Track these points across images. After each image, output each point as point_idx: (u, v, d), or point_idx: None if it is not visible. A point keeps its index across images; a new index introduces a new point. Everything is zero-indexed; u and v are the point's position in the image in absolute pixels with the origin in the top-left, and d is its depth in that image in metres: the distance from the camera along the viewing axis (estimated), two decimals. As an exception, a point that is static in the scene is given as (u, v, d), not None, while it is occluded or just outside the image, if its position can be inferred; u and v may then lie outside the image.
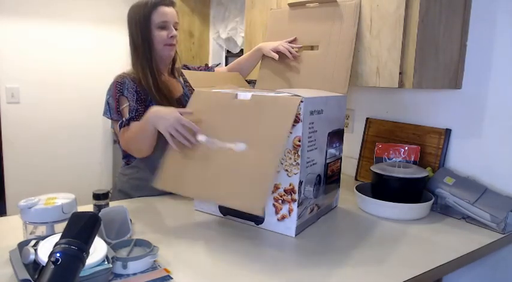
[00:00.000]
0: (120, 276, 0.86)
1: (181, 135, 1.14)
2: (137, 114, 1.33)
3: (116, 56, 1.44)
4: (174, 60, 1.49)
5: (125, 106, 1.34)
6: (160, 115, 1.18)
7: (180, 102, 1.43)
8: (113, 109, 1.35)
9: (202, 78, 1.37)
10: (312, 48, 1.43)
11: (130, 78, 1.37)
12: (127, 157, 1.46)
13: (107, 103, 1.37)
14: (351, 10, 1.31)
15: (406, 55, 1.21)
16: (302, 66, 1.42)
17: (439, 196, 1.33)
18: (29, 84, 2.92)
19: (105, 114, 1.38)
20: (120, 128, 1.32)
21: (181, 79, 1.52)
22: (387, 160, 1.53)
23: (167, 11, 1.39)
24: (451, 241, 1.12)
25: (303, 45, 1.44)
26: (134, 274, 0.87)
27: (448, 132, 1.45)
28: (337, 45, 1.32)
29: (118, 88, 1.35)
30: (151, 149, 1.29)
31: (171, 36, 1.39)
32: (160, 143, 1.39)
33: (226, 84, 1.43)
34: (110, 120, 1.45)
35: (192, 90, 1.54)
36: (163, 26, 1.38)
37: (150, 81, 1.37)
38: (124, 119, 1.32)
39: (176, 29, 1.42)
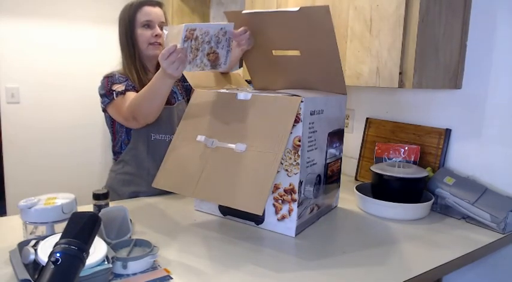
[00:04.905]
0: (120, 276, 0.86)
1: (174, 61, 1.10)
2: (132, 89, 1.36)
3: (116, 57, 1.45)
4: None
5: (118, 86, 1.36)
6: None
7: (168, 101, 1.44)
8: (106, 93, 1.37)
9: (202, 79, 1.37)
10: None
11: (120, 74, 1.41)
12: (116, 154, 1.48)
13: (101, 96, 1.40)
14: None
15: (406, 55, 1.21)
16: (294, 66, 1.38)
17: (439, 196, 1.33)
18: (29, 84, 2.91)
19: (102, 103, 1.40)
20: (116, 96, 1.34)
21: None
22: (387, 160, 1.53)
23: (152, 11, 1.42)
24: (451, 241, 1.12)
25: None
26: (134, 274, 0.87)
27: (448, 132, 1.45)
28: (317, 48, 1.18)
29: (109, 80, 1.39)
30: (160, 110, 1.28)
31: (155, 35, 1.41)
32: (143, 138, 1.41)
33: (226, 84, 1.43)
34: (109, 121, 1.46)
35: (181, 87, 1.56)
36: (148, 25, 1.41)
37: (136, 79, 1.40)
38: (117, 90, 1.35)
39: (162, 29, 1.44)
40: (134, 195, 1.42)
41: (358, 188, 1.39)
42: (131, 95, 1.33)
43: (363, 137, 1.73)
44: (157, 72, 1.18)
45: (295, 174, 1.08)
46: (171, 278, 0.86)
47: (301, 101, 1.05)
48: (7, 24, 2.79)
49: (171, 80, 1.17)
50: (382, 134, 1.66)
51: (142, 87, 1.31)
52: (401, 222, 1.25)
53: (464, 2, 1.33)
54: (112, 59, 1.48)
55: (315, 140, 1.13)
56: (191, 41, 1.10)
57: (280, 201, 1.11)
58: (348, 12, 1.35)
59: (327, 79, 1.23)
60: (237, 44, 1.24)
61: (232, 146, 1.08)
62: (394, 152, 1.53)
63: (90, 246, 0.72)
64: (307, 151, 1.10)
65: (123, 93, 1.34)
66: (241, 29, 1.21)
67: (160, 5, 1.45)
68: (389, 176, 1.31)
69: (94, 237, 0.74)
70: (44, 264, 0.68)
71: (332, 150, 1.25)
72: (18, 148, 2.93)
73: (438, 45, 1.26)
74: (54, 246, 0.69)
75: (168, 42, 1.12)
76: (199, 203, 1.29)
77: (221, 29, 1.15)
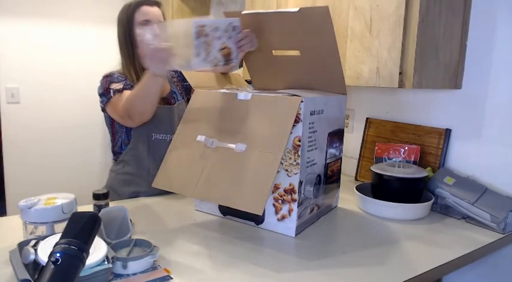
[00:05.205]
0: (120, 276, 0.86)
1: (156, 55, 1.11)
2: (130, 88, 1.36)
3: (116, 57, 1.46)
4: None
5: (116, 84, 1.37)
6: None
7: (168, 101, 1.44)
8: (104, 92, 1.38)
9: (203, 79, 1.37)
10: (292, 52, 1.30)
11: (119, 74, 1.41)
12: (116, 154, 1.48)
13: (100, 95, 1.40)
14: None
15: (406, 55, 1.21)
16: (294, 66, 1.37)
17: (439, 196, 1.33)
18: (29, 84, 2.91)
19: (101, 103, 1.40)
20: (113, 94, 1.34)
21: (168, 75, 1.53)
22: (387, 160, 1.53)
23: (150, 10, 1.42)
24: (451, 241, 1.12)
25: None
26: (134, 274, 0.87)
27: (448, 132, 1.45)
28: (317, 48, 1.19)
29: (108, 79, 1.39)
30: (154, 108, 1.28)
31: None
32: (143, 138, 1.41)
33: (226, 84, 1.43)
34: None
35: (181, 87, 1.56)
36: (146, 25, 1.41)
37: (135, 79, 1.40)
38: (115, 88, 1.35)
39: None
40: (134, 195, 1.42)
41: (358, 188, 1.39)
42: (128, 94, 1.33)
43: (363, 137, 1.73)
44: (146, 71, 1.19)
45: (295, 174, 1.08)
46: (171, 278, 0.86)
47: (301, 101, 1.05)
48: (7, 24, 2.79)
49: (160, 78, 1.17)
50: (382, 134, 1.66)
51: None
52: (401, 222, 1.25)
53: (464, 2, 1.33)
54: (112, 59, 1.49)
55: (315, 140, 1.13)
56: (203, 37, 1.10)
57: (280, 201, 1.11)
58: (348, 12, 1.35)
59: (327, 79, 1.23)
60: (238, 47, 1.21)
61: (232, 146, 1.08)
62: (394, 152, 1.53)
63: (90, 246, 0.72)
64: (307, 151, 1.10)
65: (120, 91, 1.34)
66: (241, 33, 1.19)
67: (158, 4, 1.45)
68: (389, 176, 1.31)
69: (94, 237, 0.74)
70: (44, 264, 0.68)
71: (332, 150, 1.25)
72: (18, 148, 2.93)
73: (438, 45, 1.26)
74: (54, 246, 0.69)
75: (172, 40, 1.12)
76: (199, 203, 1.29)
77: (229, 23, 1.15)
